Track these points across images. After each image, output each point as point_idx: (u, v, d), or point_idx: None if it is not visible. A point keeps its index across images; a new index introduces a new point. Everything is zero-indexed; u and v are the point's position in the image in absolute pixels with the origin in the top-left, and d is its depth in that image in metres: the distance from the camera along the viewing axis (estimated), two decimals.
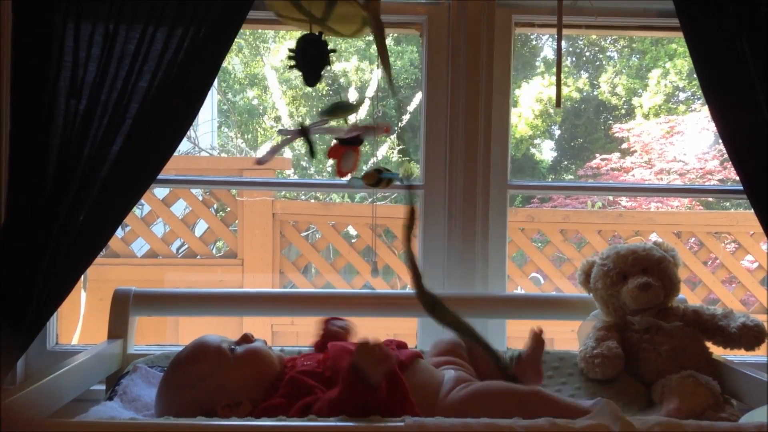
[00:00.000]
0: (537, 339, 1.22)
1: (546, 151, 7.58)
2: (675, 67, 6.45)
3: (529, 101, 6.81)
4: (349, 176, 1.20)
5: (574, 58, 7.31)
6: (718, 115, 1.41)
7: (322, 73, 1.16)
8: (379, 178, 1.18)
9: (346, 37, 1.24)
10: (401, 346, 1.23)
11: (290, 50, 1.15)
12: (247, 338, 1.19)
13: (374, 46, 1.12)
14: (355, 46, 6.27)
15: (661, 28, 1.70)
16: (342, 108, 1.21)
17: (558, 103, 1.58)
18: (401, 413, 0.97)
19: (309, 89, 6.52)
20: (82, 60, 1.31)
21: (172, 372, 1.15)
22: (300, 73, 1.17)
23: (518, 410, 0.97)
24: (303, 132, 1.18)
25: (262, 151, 5.51)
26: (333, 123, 1.21)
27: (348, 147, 1.17)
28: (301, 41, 1.16)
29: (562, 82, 1.55)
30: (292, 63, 1.15)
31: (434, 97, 1.64)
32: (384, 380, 0.96)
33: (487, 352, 1.22)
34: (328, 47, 1.16)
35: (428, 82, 1.64)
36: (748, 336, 1.31)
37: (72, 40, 1.30)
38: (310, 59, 1.15)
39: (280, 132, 1.20)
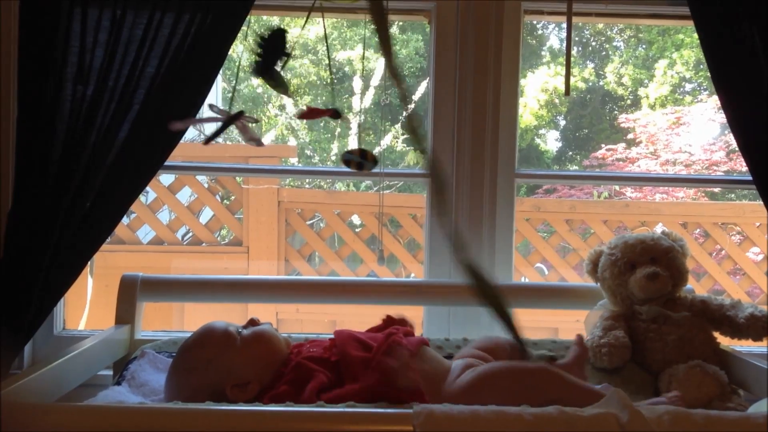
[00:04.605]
0: (581, 346, 1.25)
1: (551, 142, 7.55)
2: (682, 57, 6.40)
3: (535, 91, 6.77)
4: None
5: (580, 48, 7.27)
6: (728, 105, 1.41)
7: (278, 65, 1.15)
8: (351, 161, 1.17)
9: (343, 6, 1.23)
10: (408, 333, 1.23)
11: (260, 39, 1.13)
12: (253, 322, 1.21)
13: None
14: (359, 35, 6.24)
15: (670, 17, 1.69)
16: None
17: (567, 91, 1.57)
18: (410, 400, 0.97)
19: (314, 78, 6.52)
20: (89, 45, 1.30)
21: (181, 357, 1.16)
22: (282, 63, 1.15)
23: (526, 388, 1.02)
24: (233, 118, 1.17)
25: (265, 140, 5.50)
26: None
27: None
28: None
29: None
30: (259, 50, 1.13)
31: (442, 86, 1.63)
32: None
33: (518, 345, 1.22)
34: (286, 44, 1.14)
35: (436, 70, 1.63)
36: (756, 326, 1.31)
37: (79, 25, 1.30)
38: (270, 51, 1.14)
39: (211, 107, 1.20)
